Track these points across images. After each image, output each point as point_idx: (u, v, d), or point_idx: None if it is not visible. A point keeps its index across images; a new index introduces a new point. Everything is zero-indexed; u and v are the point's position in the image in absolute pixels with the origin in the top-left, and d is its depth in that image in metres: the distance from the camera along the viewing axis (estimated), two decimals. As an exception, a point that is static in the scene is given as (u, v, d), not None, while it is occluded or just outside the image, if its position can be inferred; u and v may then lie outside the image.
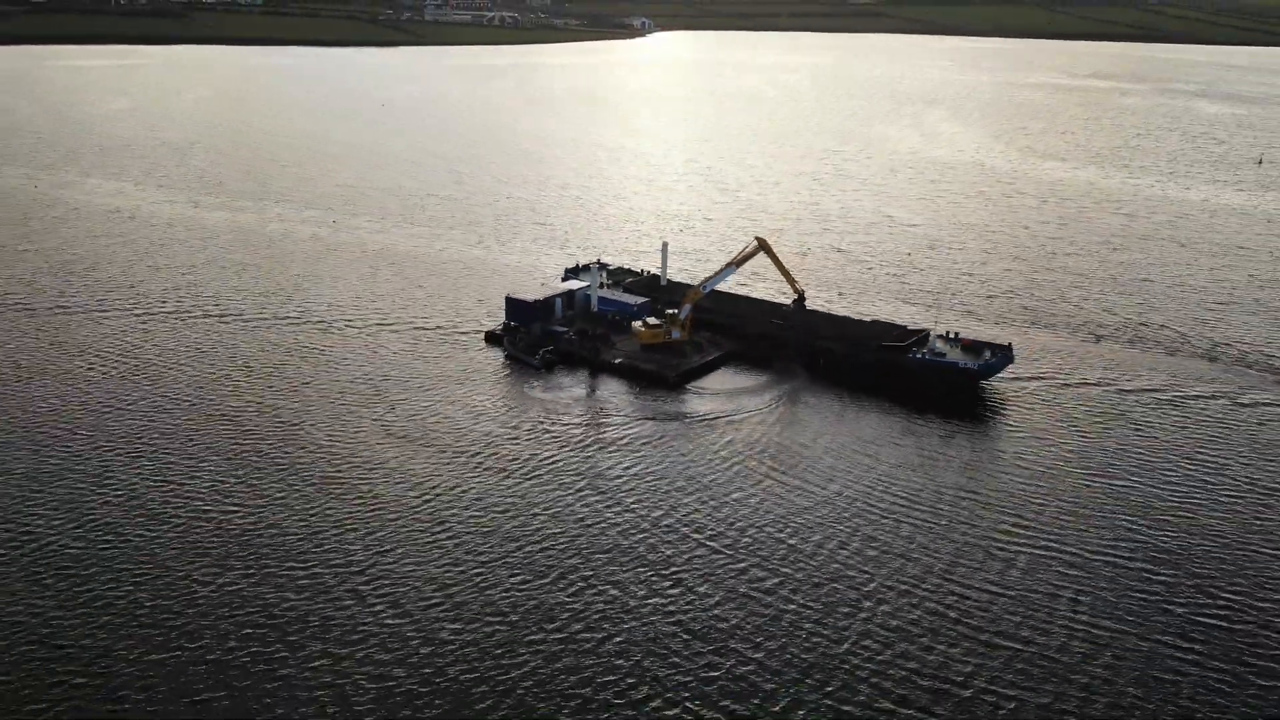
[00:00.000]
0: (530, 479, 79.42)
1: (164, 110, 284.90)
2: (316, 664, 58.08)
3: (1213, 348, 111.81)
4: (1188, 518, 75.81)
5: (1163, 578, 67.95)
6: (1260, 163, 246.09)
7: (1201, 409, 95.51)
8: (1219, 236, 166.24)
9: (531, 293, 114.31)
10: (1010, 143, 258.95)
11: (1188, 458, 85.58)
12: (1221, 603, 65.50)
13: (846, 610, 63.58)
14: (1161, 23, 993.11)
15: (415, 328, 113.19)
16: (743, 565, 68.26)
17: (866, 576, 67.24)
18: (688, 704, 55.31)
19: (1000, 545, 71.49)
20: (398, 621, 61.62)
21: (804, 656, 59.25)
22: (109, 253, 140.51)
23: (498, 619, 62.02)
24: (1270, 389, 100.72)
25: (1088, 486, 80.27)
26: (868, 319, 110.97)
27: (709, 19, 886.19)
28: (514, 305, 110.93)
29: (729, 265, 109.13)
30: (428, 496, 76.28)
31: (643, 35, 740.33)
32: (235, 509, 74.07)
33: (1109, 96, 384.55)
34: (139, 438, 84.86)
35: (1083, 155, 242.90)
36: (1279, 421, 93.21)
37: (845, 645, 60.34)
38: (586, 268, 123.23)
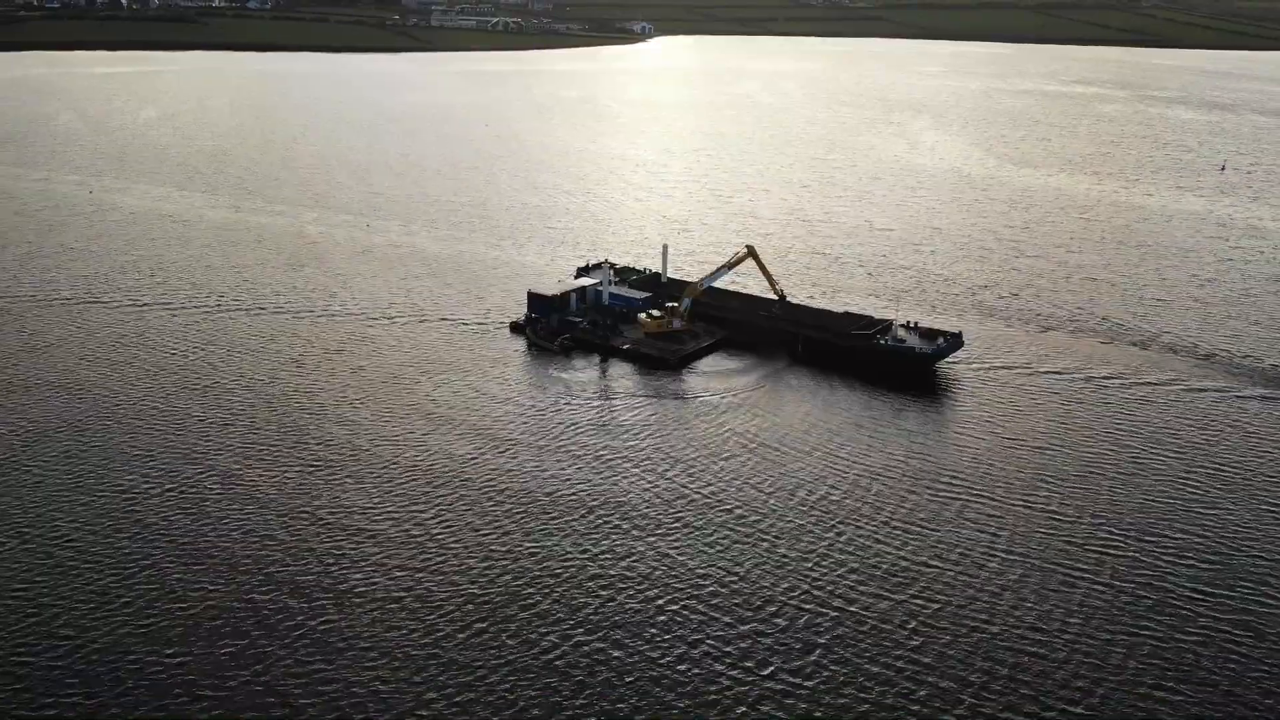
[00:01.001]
0: (550, 445, 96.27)
1: (193, 118, 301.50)
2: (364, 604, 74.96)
3: (1146, 338, 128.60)
4: (1102, 478, 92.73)
5: (1082, 532, 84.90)
6: (1223, 169, 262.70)
7: (1128, 390, 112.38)
8: (1169, 239, 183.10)
9: (550, 288, 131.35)
10: (988, 150, 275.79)
11: (1110, 429, 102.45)
12: (1150, 560, 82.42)
13: (815, 555, 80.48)
14: (1153, 27, 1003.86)
15: (447, 320, 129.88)
16: (728, 517, 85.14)
17: (829, 528, 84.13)
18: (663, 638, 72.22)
19: (937, 500, 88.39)
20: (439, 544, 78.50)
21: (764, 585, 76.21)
22: (169, 253, 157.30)
23: (518, 560, 78.91)
24: (1192, 373, 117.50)
25: (1020, 454, 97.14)
26: (841, 311, 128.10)
27: (708, 23, 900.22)
28: (535, 299, 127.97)
29: (722, 267, 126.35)
30: (465, 458, 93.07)
31: (643, 40, 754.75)
32: (303, 473, 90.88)
33: (1089, 104, 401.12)
34: (208, 414, 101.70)
35: (1055, 162, 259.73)
36: (1195, 400, 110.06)
37: (818, 577, 77.29)
38: (597, 266, 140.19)
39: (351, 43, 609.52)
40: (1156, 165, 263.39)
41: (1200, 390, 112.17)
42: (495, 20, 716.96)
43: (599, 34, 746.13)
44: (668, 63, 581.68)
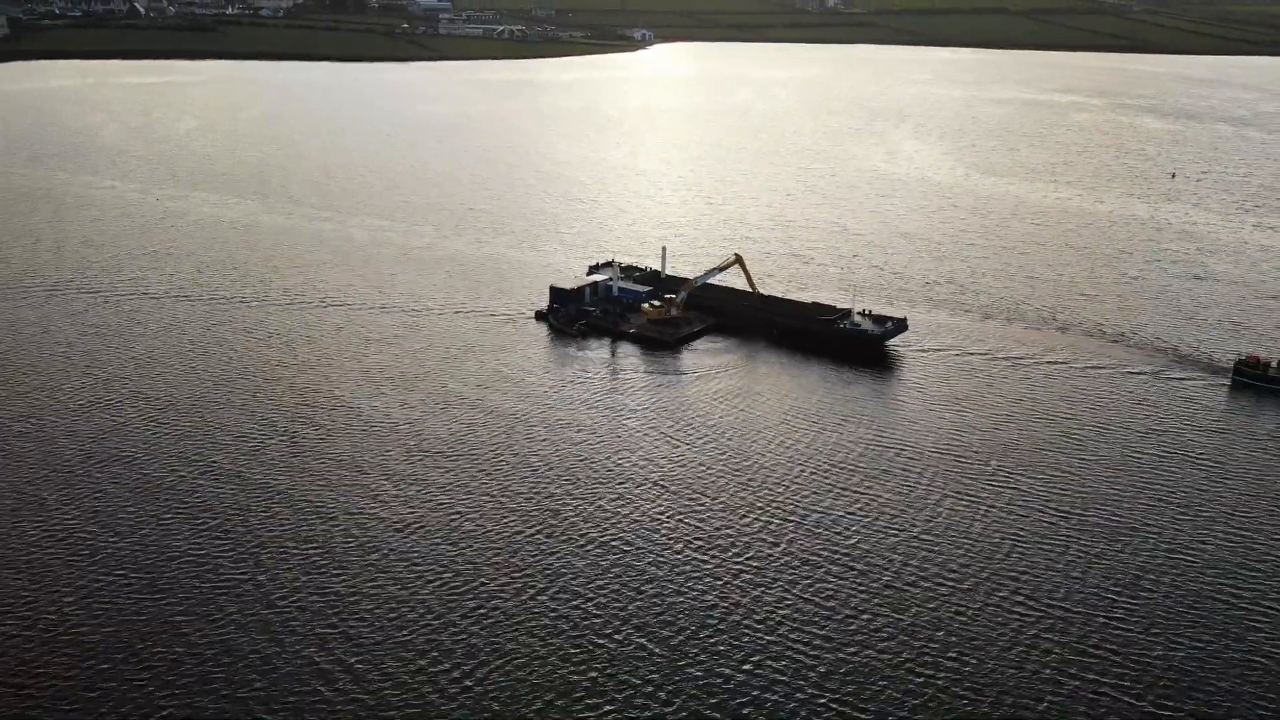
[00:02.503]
0: (568, 409, 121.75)
1: (229, 130, 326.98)
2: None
3: (1068, 325, 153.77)
4: (1016, 436, 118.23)
5: (991, 493, 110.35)
6: (1173, 177, 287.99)
7: (1041, 365, 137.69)
8: (1107, 242, 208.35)
9: (568, 283, 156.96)
10: (959, 159, 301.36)
11: (1025, 397, 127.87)
12: (1064, 515, 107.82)
13: (781, 490, 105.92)
14: (1143, 32, 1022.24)
15: (482, 312, 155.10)
16: (713, 463, 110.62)
17: (792, 471, 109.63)
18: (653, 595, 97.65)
19: (881, 453, 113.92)
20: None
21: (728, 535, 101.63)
22: (239, 254, 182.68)
23: (536, 502, 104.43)
24: (1105, 354, 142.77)
25: (947, 415, 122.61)
26: (810, 301, 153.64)
27: (706, 29, 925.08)
28: (555, 292, 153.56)
29: (714, 269, 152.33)
30: (501, 417, 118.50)
31: (643, 47, 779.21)
32: (365, 436, 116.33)
33: (1064, 113, 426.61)
34: (280, 395, 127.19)
35: (1019, 171, 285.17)
36: (1102, 374, 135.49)
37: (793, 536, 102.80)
38: (606, 264, 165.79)
39: (363, 51, 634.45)
40: (1113, 174, 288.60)
41: (1111, 368, 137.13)
42: (500, 29, 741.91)
43: (600, 41, 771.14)
44: (666, 71, 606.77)
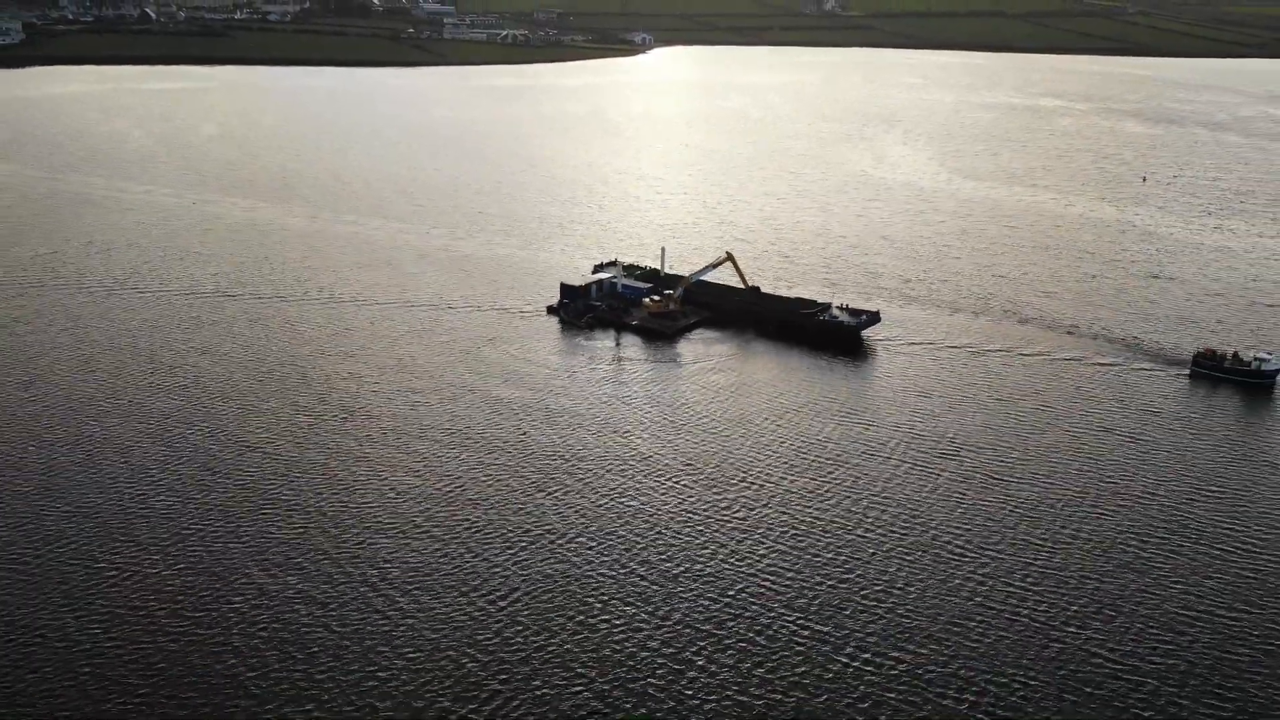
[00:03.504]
0: (579, 393, 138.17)
1: (248, 136, 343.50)
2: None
3: (1028, 318, 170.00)
4: (974, 419, 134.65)
5: (952, 471, 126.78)
6: (1144, 180, 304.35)
7: (1000, 354, 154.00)
8: (1077, 243, 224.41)
9: (576, 281, 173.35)
10: (943, 164, 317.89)
11: (984, 382, 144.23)
12: (1012, 489, 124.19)
13: (764, 460, 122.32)
14: (1136, 34, 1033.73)
15: (497, 308, 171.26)
16: (706, 441, 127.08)
17: (775, 446, 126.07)
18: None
19: (854, 426, 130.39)
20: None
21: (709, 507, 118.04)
22: (275, 255, 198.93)
23: (550, 470, 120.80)
24: (1061, 344, 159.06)
25: (913, 395, 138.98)
26: (794, 296, 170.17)
27: (705, 33, 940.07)
28: (565, 289, 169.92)
29: (707, 266, 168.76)
30: (515, 402, 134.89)
31: (643, 51, 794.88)
32: (394, 422, 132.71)
33: (1048, 118, 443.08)
34: (313, 383, 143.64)
35: (999, 176, 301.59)
36: (1075, 366, 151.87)
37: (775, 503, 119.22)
38: (611, 263, 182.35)
39: (370, 56, 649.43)
40: (1088, 178, 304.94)
41: (1078, 360, 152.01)
42: (504, 33, 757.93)
43: (602, 45, 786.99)
44: (666, 77, 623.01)
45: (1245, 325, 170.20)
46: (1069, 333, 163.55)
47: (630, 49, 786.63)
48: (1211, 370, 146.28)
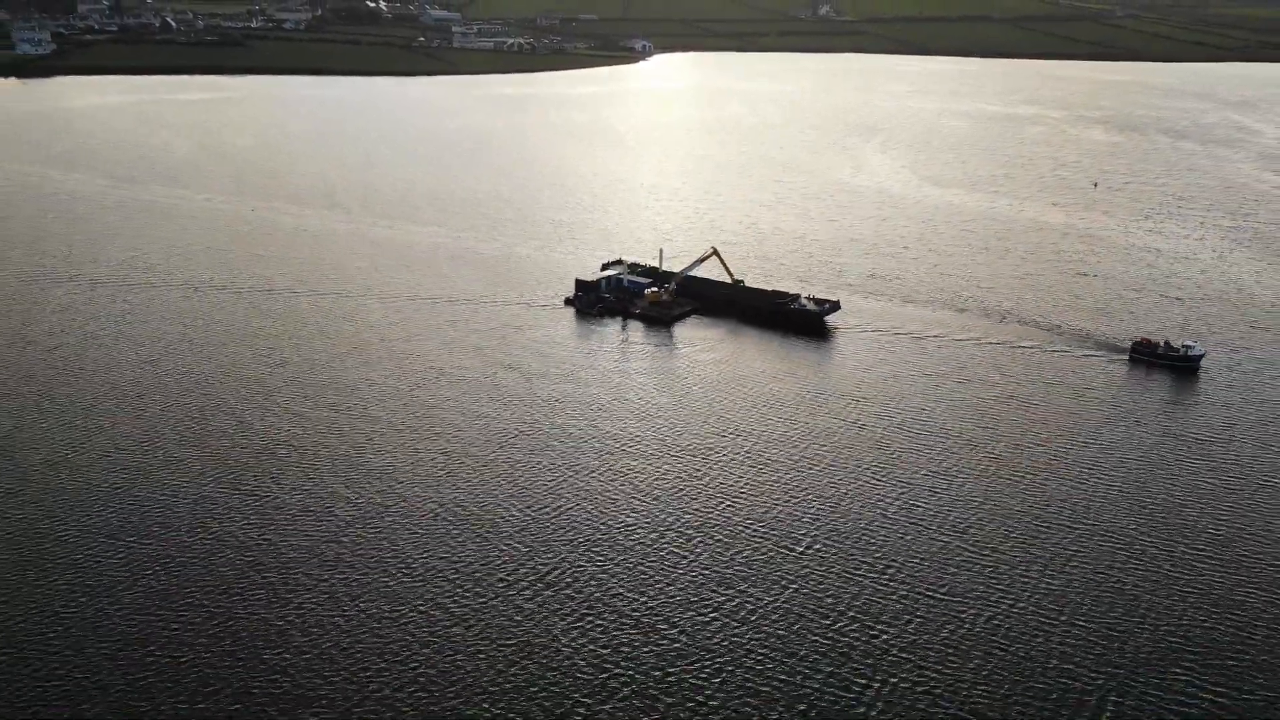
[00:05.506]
0: (591, 370, 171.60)
1: (283, 146, 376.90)
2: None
3: (986, 310, 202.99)
4: (912, 386, 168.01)
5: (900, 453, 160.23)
6: (1096, 186, 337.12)
7: (965, 343, 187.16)
8: (1020, 242, 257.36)
9: (589, 277, 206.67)
10: (914, 172, 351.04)
11: (924, 361, 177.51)
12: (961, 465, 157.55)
13: (738, 427, 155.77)
14: (1122, 38, 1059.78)
15: (521, 301, 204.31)
16: (697, 413, 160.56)
17: (755, 417, 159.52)
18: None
19: (819, 393, 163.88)
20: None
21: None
22: (328, 258, 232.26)
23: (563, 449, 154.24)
24: (1020, 337, 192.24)
25: (863, 366, 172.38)
26: (770, 289, 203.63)
27: (703, 38, 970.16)
28: (579, 283, 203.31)
29: (696, 261, 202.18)
30: (539, 376, 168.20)
31: (643, 58, 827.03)
32: (429, 408, 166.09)
33: (1020, 126, 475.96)
34: (366, 371, 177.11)
35: (963, 182, 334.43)
36: (1023, 353, 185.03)
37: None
38: (617, 262, 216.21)
39: (383, 65, 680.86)
40: (1045, 184, 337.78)
41: (1027, 347, 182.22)
42: (510, 41, 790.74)
43: (603, 52, 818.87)
44: (664, 85, 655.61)
45: (1175, 317, 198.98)
46: (1018, 323, 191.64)
47: (631, 56, 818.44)
48: (1147, 356, 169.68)
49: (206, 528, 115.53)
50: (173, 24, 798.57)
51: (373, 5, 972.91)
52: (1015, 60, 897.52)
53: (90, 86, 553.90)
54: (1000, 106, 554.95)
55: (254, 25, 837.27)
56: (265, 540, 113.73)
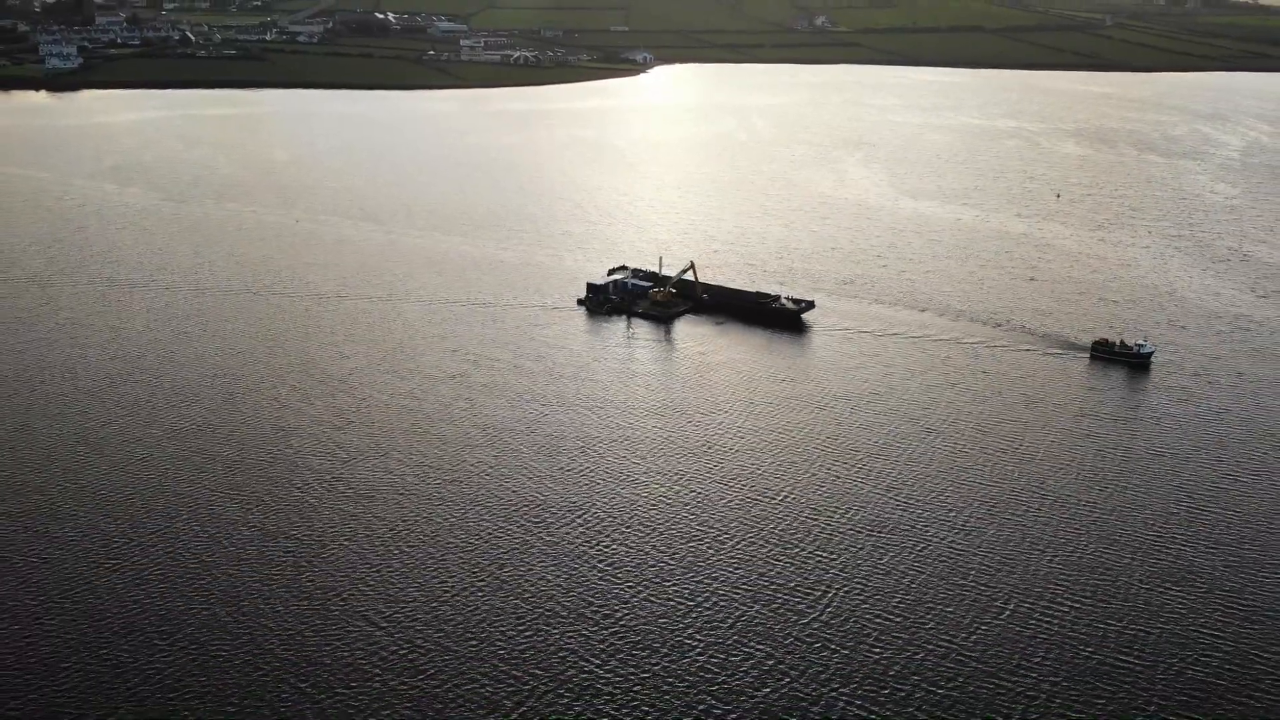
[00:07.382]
0: (600, 361, 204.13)
1: (317, 161, 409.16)
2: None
3: (953, 311, 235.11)
4: (885, 377, 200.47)
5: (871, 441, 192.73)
6: (1058, 197, 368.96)
7: (932, 341, 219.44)
8: (980, 249, 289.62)
9: (599, 280, 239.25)
10: (893, 185, 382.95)
11: (893, 355, 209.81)
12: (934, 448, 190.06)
13: (725, 407, 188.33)
14: (1108, 49, 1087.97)
15: (538, 303, 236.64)
16: (693, 396, 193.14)
17: (743, 397, 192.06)
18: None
19: (796, 381, 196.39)
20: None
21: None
22: (369, 265, 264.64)
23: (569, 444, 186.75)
24: (988, 337, 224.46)
25: (835, 356, 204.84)
26: (754, 290, 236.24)
27: (701, 50, 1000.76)
28: (590, 286, 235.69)
29: (683, 271, 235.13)
30: (556, 366, 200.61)
31: (644, 69, 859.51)
32: (451, 399, 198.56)
33: (997, 139, 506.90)
34: (394, 368, 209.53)
35: (937, 194, 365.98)
36: (989, 351, 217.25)
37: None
38: (622, 268, 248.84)
39: (396, 80, 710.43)
40: (1012, 195, 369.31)
41: (993, 346, 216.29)
42: (516, 54, 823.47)
43: (606, 64, 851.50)
44: (664, 99, 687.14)
45: (1128, 317, 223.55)
46: (985, 325, 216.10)
47: (632, 68, 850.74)
48: (1106, 354, 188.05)
49: (248, 521, 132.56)
50: (191, 37, 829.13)
51: (382, 17, 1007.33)
52: (1004, 70, 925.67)
53: (119, 101, 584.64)
54: (981, 119, 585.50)
55: (269, 38, 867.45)
56: (304, 534, 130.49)
